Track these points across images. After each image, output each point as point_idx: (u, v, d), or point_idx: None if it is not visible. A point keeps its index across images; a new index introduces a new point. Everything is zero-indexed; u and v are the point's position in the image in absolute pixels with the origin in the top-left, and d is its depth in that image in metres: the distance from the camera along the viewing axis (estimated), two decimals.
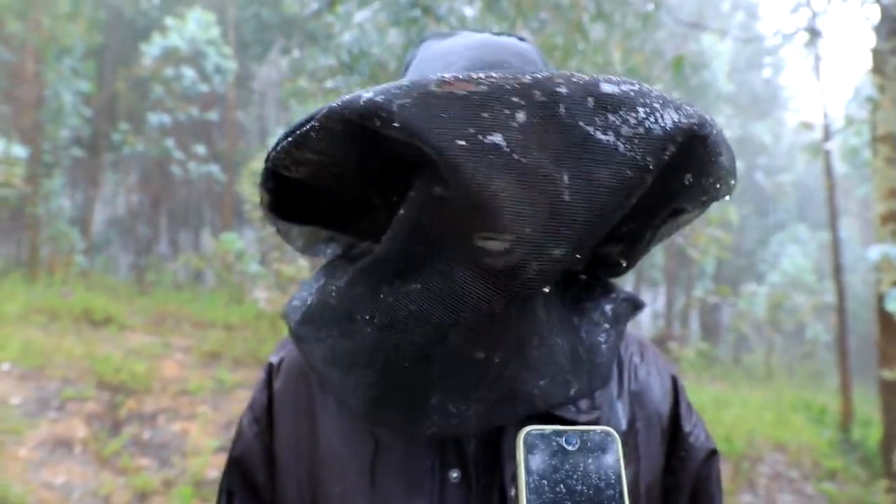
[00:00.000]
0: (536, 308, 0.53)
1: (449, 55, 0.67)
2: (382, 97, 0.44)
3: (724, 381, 12.48)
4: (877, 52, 4.26)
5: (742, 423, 7.01)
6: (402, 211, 0.50)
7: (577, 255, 0.44)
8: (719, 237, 11.88)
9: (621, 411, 0.66)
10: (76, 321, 8.08)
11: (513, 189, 0.42)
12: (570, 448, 0.46)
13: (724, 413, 7.38)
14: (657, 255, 17.57)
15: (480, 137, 0.43)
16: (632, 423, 0.66)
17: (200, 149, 13.62)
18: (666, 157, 0.44)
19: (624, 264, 0.63)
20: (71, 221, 14.34)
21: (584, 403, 0.63)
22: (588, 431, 0.47)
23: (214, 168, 13.92)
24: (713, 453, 0.70)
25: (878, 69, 4.24)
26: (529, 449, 0.45)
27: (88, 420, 5.12)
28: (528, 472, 0.44)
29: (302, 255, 0.71)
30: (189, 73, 12.98)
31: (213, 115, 13.84)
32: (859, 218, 22.09)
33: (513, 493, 0.57)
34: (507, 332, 0.49)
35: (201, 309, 10.26)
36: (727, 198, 0.55)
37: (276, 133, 13.87)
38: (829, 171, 7.09)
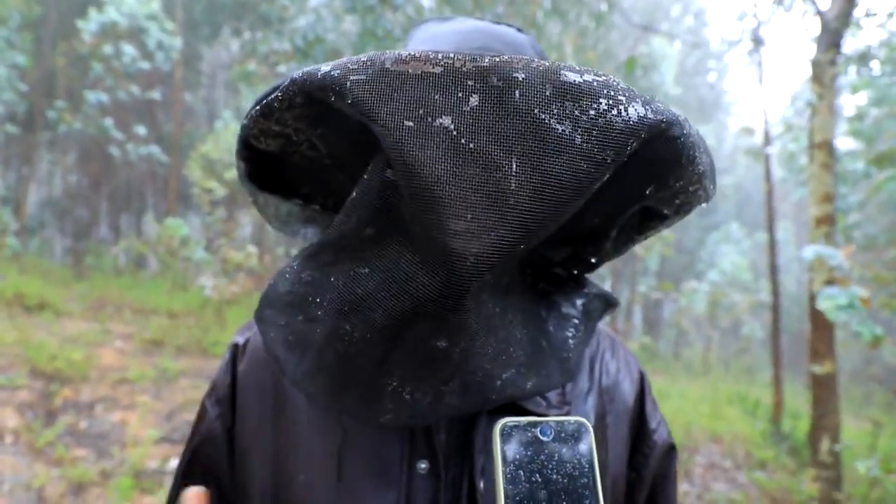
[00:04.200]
0: (500, 300, 0.52)
1: (440, 37, 0.66)
2: (338, 72, 0.43)
3: (664, 374, 12.88)
4: (816, 63, 4.46)
5: (680, 415, 7.25)
6: (353, 193, 0.49)
7: (523, 246, 0.43)
8: (663, 235, 12.23)
9: (591, 406, 0.66)
10: (8, 306, 7.71)
11: (456, 173, 0.41)
12: (544, 438, 0.46)
13: (664, 406, 7.53)
14: None
15: (430, 119, 0.41)
16: (602, 417, 0.67)
17: (141, 129, 13.11)
18: (627, 153, 0.43)
19: (593, 261, 0.63)
20: (3, 201, 13.65)
21: (554, 398, 0.63)
22: (562, 422, 0.47)
23: (155, 149, 13.39)
24: (672, 449, 0.71)
25: (816, 79, 4.43)
26: (505, 440, 0.46)
27: (20, 409, 4.90)
28: (505, 462, 0.45)
29: (278, 232, 0.70)
30: (129, 49, 12.44)
31: (155, 94, 13.31)
32: (794, 220, 23.11)
33: (482, 485, 0.58)
34: (470, 323, 0.48)
35: (143, 295, 9.94)
36: (704, 205, 0.55)
37: (225, 116, 13.51)
38: (768, 175, 7.37)
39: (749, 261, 18.37)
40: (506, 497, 0.44)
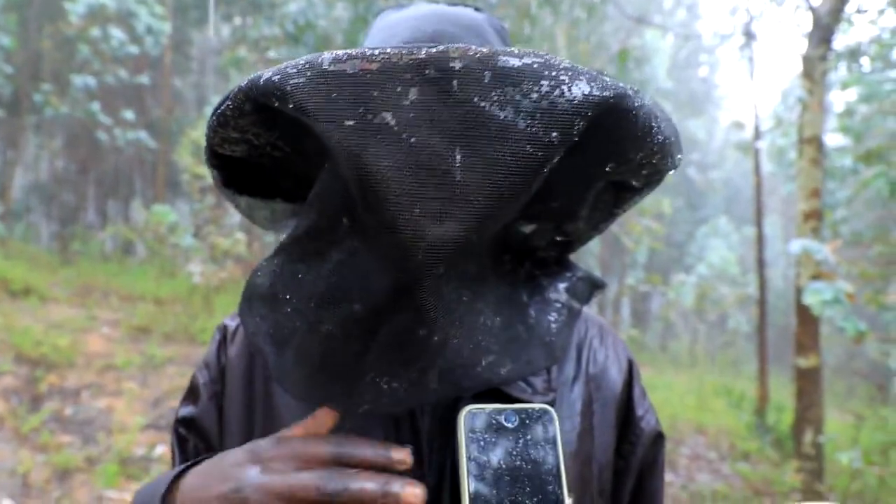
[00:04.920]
0: (468, 288, 0.52)
1: (396, 26, 0.66)
2: (278, 77, 0.43)
3: (651, 366, 12.98)
4: (807, 58, 4.48)
5: (666, 407, 7.32)
6: (314, 189, 0.50)
7: (476, 235, 0.43)
8: (652, 228, 12.29)
9: (578, 394, 0.66)
10: None
11: (400, 168, 0.41)
12: (509, 425, 0.47)
13: (650, 397, 7.69)
14: (592, 243, 18.04)
15: (370, 117, 0.41)
16: (588, 404, 0.67)
17: (129, 114, 12.95)
18: (575, 132, 0.42)
19: (563, 239, 0.62)
20: None
21: (539, 385, 0.63)
22: (526, 409, 0.48)
23: (143, 134, 13.23)
24: (660, 437, 0.71)
25: (807, 74, 4.45)
26: (470, 427, 0.47)
27: (5, 395, 4.87)
28: (469, 448, 0.46)
29: (268, 231, 0.70)
30: (117, 33, 12.26)
31: (144, 79, 13.14)
32: (783, 215, 23.29)
33: None
34: (434, 315, 0.48)
35: (130, 282, 9.86)
36: (672, 172, 0.54)
37: (214, 102, 13.37)
38: (757, 170, 7.41)
39: (737, 255, 18.50)
40: (469, 483, 0.44)
